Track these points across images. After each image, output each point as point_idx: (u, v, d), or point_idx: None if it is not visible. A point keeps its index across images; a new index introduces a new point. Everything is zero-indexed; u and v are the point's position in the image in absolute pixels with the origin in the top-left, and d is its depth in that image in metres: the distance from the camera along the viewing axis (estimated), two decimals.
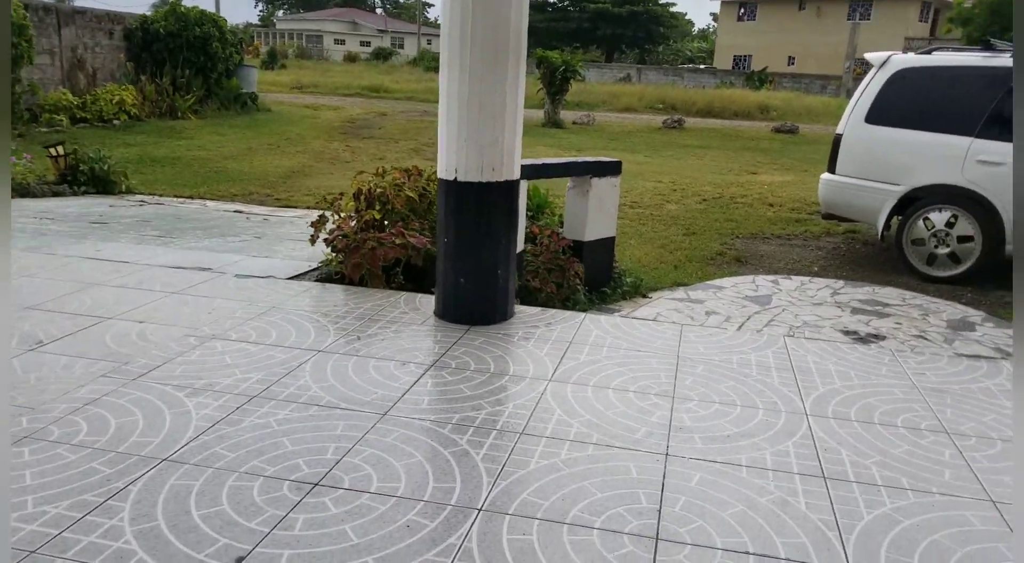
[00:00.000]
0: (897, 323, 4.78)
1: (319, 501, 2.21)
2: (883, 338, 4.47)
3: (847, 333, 4.54)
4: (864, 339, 4.44)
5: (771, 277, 5.91)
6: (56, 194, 7.64)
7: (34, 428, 2.54)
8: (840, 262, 6.57)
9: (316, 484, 2.30)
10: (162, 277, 4.33)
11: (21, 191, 7.36)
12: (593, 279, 5.02)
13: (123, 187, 8.19)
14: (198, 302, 3.90)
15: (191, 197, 8.19)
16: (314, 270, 4.72)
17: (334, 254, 4.54)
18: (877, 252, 7.01)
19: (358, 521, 2.13)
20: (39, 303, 3.77)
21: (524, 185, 4.27)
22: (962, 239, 5.89)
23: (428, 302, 4.02)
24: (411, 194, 4.59)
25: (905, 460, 2.61)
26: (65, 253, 4.81)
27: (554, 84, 18.49)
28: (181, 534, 2.03)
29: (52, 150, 7.98)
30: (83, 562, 1.91)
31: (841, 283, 5.79)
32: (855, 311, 5.03)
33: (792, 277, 5.93)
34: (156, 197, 8.02)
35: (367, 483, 2.32)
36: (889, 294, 5.49)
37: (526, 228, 4.68)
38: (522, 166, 3.89)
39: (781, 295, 5.37)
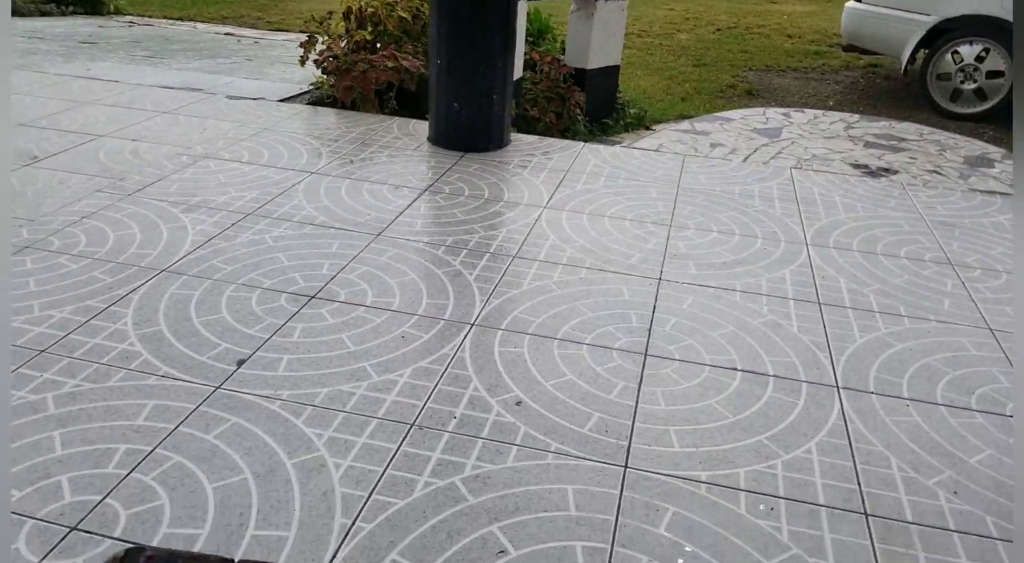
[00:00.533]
0: (911, 158, 4.69)
1: (316, 312, 2.26)
2: (895, 172, 4.39)
3: (857, 166, 4.46)
4: (875, 173, 4.37)
5: (783, 109, 5.74)
6: (44, 13, 7.32)
7: (35, 238, 2.56)
8: (858, 97, 6.36)
9: (312, 297, 2.34)
10: (153, 97, 4.21)
11: (11, 10, 7.06)
12: (595, 110, 4.88)
13: (111, 8, 7.84)
14: (190, 122, 3.82)
15: (181, 19, 7.84)
16: (305, 93, 4.58)
17: (324, 77, 4.39)
18: (898, 87, 6.77)
19: (354, 331, 2.18)
20: (32, 120, 3.70)
21: (524, 6, 4.05)
22: (991, 74, 5.66)
23: (422, 128, 3.93)
24: (404, 15, 4.37)
25: (905, 289, 2.63)
26: (56, 72, 4.66)
27: None
28: (183, 338, 2.09)
29: None
30: (91, 361, 1.97)
31: (856, 117, 5.63)
32: (868, 145, 4.92)
33: (805, 110, 5.76)
34: (145, 18, 7.69)
35: (362, 297, 2.36)
36: (906, 129, 5.35)
37: (525, 54, 4.49)
38: None
39: (792, 128, 5.24)
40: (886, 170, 4.43)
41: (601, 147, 3.95)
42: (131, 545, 1.47)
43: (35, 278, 2.33)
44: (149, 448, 1.71)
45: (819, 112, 5.72)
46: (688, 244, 2.86)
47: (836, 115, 5.67)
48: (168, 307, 2.22)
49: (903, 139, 5.08)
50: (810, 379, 2.10)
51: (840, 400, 2.02)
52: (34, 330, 2.08)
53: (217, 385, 1.92)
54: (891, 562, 1.55)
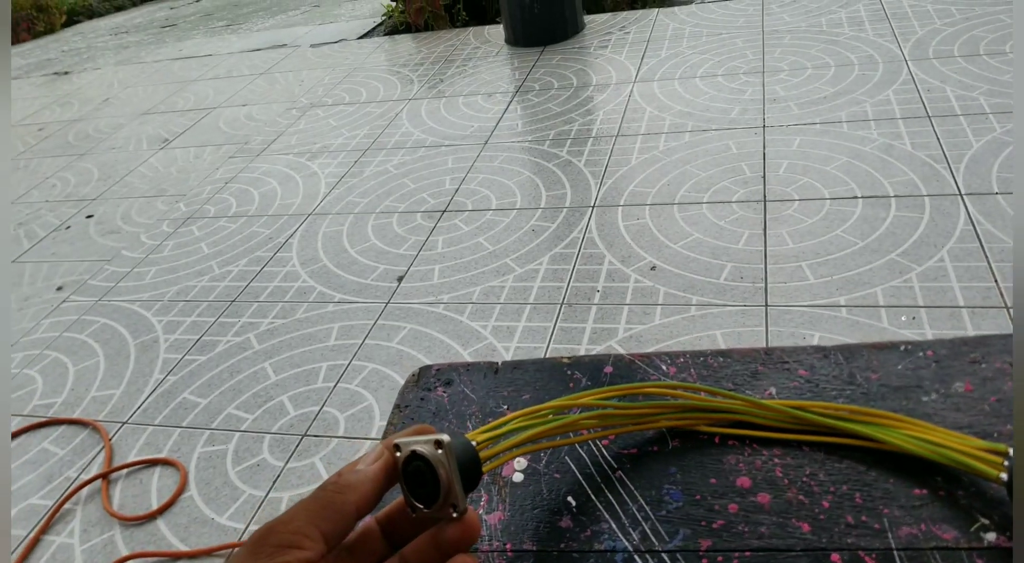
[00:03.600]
0: None
1: (451, 224, 2.47)
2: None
3: None
4: None
5: None
6: (118, 8, 7.68)
7: (192, 210, 2.87)
8: None
9: (444, 211, 2.55)
10: (246, 61, 4.46)
11: (88, 13, 7.47)
12: None
13: None
14: (286, 77, 4.05)
15: None
16: (379, 25, 4.71)
17: (394, 4, 4.49)
18: None
19: (489, 233, 2.39)
20: (151, 107, 4.02)
21: None
22: None
23: (497, 32, 4.00)
24: None
25: (1014, 84, 2.58)
26: (153, 59, 4.97)
27: None
28: (345, 267, 2.35)
29: None
30: (276, 301, 2.27)
31: None
32: None
33: None
34: None
35: (487, 202, 2.55)
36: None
37: None
38: None
39: None
40: None
41: (676, 9, 3.92)
42: (421, 366, 1.76)
43: (205, 242, 2.64)
44: (346, 362, 1.99)
45: None
46: (785, 86, 2.88)
47: None
48: (325, 244, 2.49)
49: None
50: (931, 192, 2.16)
51: (965, 206, 2.08)
52: (220, 285, 2.40)
53: (386, 301, 2.17)
54: None
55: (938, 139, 2.38)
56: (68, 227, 2.97)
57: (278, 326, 2.17)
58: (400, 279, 2.26)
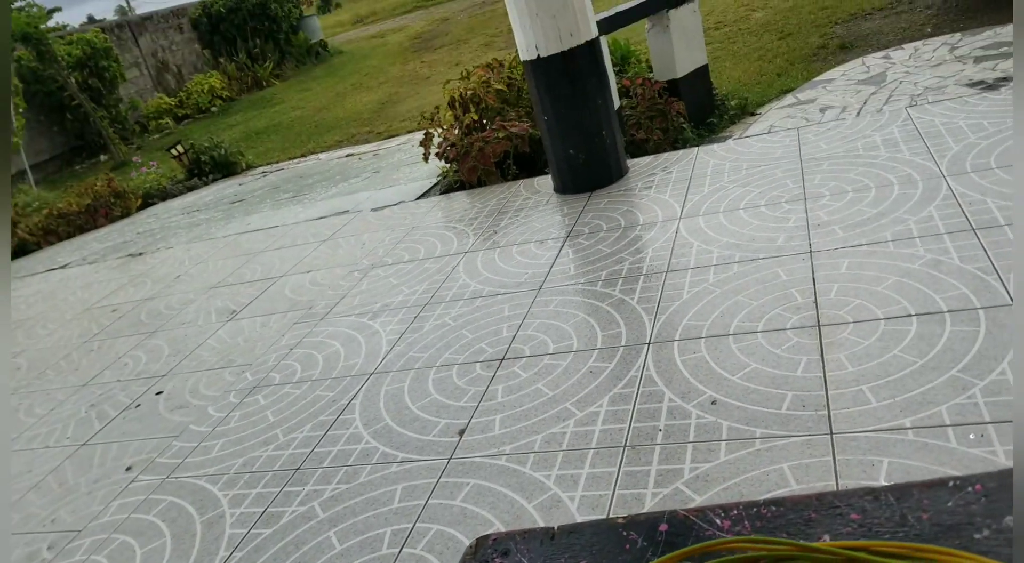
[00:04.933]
0: None
1: (509, 372, 2.51)
2: (1012, 78, 4.22)
3: (973, 85, 4.33)
4: (993, 86, 4.22)
5: (880, 53, 5.62)
6: (190, 189, 8.31)
7: (259, 379, 2.99)
8: (953, 14, 6.11)
9: (503, 359, 2.60)
10: (310, 230, 4.74)
11: (162, 195, 8.09)
12: (696, 113, 5.00)
13: (243, 165, 8.78)
14: (348, 242, 4.28)
15: (303, 156, 8.65)
16: (435, 185, 4.99)
17: (448, 165, 4.78)
18: None
19: (548, 378, 2.41)
20: (220, 281, 4.27)
21: (604, 40, 4.28)
22: None
23: (545, 182, 4.20)
24: (499, 86, 4.71)
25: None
26: (223, 234, 5.33)
27: None
28: (407, 424, 2.39)
29: (173, 151, 8.63)
30: (339, 466, 2.30)
31: (958, 36, 5.43)
32: (978, 60, 4.75)
33: (904, 46, 5.61)
34: (274, 165, 8.54)
35: (545, 347, 2.59)
36: (1011, 32, 5.10)
37: (617, 83, 4.70)
38: (596, 22, 3.90)
39: (895, 68, 5.13)
40: (1004, 79, 4.26)
41: (715, 146, 4.06)
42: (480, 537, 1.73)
43: (271, 411, 2.73)
44: (411, 524, 1.99)
45: (918, 43, 5.56)
46: (828, 211, 2.92)
47: (937, 41, 5.48)
48: (387, 403, 2.55)
49: (1011, 43, 4.85)
50: (985, 304, 2.12)
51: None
52: (284, 453, 2.45)
53: (449, 457, 2.19)
54: None
55: (985, 251, 2.36)
56: (138, 406, 3.10)
57: (342, 491, 2.19)
58: (461, 433, 2.28)
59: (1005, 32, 5.15)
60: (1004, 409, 1.76)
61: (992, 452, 1.66)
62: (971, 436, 1.72)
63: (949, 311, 2.14)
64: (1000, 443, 1.67)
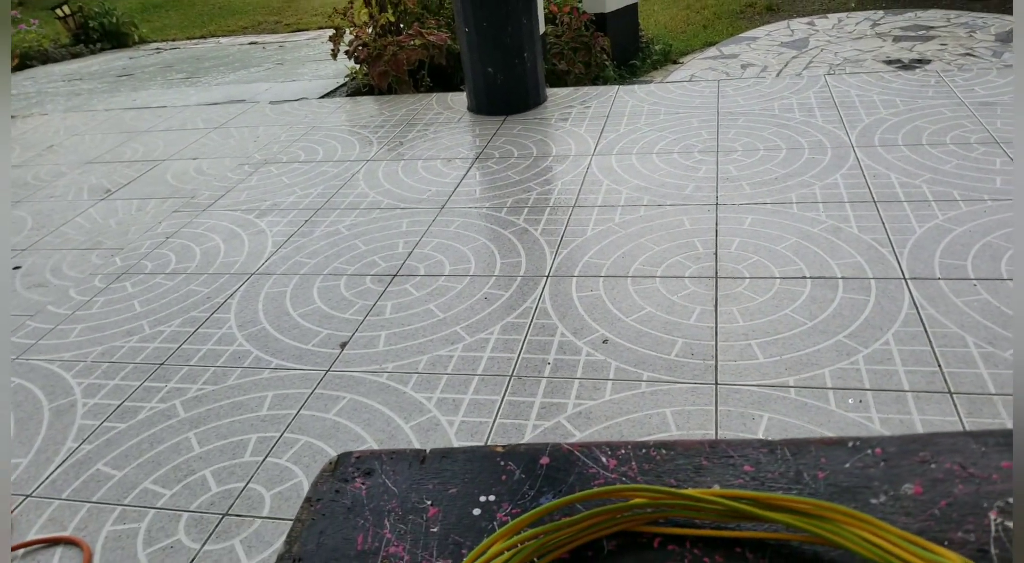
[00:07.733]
0: (942, 44, 4.62)
1: (401, 289, 2.41)
2: (928, 62, 4.34)
3: (890, 63, 4.42)
4: (908, 65, 4.32)
5: (806, 19, 5.67)
6: (75, 55, 7.60)
7: (129, 264, 2.76)
8: None
9: (395, 275, 2.49)
10: (201, 115, 4.40)
11: (43, 58, 7.36)
12: (621, 52, 4.91)
13: (135, 38, 8.08)
14: (241, 133, 3.99)
15: (203, 37, 8.03)
16: (342, 86, 4.72)
17: (358, 66, 4.51)
18: None
19: (440, 300, 2.33)
20: (96, 157, 3.92)
21: None
22: None
23: (460, 99, 4.03)
24: None
25: (955, 174, 2.66)
26: (105, 107, 4.89)
27: None
28: (285, 331, 2.26)
29: (59, 11, 7.82)
30: (207, 366, 2.16)
31: (881, 13, 5.53)
32: (897, 39, 4.85)
33: (828, 16, 5.68)
34: (170, 42, 7.90)
35: (440, 268, 2.50)
36: (932, 16, 5.25)
37: (544, 8, 4.54)
38: None
39: (818, 35, 5.18)
40: (919, 61, 4.38)
41: (635, 87, 4.00)
42: (341, 453, 1.65)
43: (138, 300, 2.53)
44: (278, 433, 1.89)
45: (842, 15, 5.64)
46: (738, 166, 2.92)
47: (860, 15, 5.57)
48: (266, 306, 2.40)
49: (931, 27, 4.99)
50: (877, 275, 2.17)
51: (909, 290, 2.09)
52: (149, 346, 2.28)
53: (327, 368, 2.09)
54: None
55: (883, 224, 2.42)
56: None
57: (207, 393, 2.06)
58: (343, 345, 2.17)
59: (926, 16, 5.28)
60: (884, 378, 1.80)
61: (868, 418, 1.70)
62: (850, 401, 1.76)
63: (843, 277, 2.18)
64: (876, 410, 1.72)
